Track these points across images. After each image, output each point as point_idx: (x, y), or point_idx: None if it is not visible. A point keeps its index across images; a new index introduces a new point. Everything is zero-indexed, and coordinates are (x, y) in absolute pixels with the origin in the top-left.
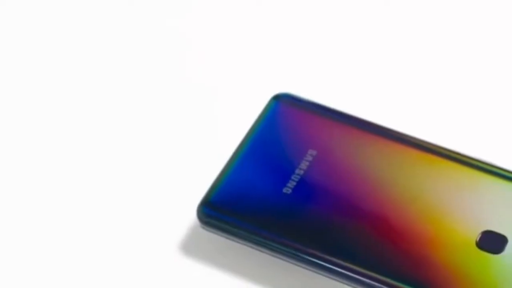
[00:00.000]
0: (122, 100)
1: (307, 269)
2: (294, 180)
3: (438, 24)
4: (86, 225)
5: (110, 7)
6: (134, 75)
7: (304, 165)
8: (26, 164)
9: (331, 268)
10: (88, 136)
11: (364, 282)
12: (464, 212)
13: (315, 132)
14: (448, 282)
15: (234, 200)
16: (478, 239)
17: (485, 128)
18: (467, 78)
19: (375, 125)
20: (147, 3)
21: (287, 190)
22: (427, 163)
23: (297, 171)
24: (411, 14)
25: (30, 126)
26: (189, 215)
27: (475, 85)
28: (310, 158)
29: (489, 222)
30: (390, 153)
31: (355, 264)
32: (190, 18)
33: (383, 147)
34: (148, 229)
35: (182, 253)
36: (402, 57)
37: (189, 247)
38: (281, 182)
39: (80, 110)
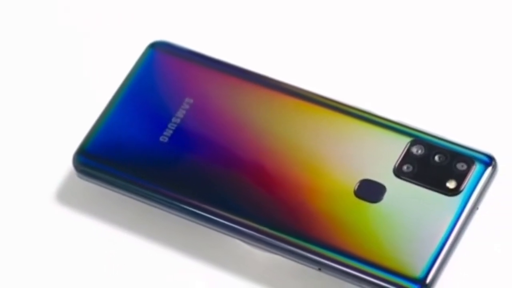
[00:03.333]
0: None
1: (183, 217)
2: (170, 129)
3: None
4: None
5: None
6: (3, 22)
7: (180, 113)
8: None
9: (207, 217)
10: None
11: (241, 231)
12: (342, 161)
13: (192, 81)
14: (326, 230)
15: (110, 148)
16: (356, 188)
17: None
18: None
19: (253, 74)
20: None
21: (164, 138)
22: (306, 111)
23: (173, 119)
24: None
25: None
26: (66, 164)
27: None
28: (187, 107)
29: (368, 171)
30: (269, 101)
31: (232, 213)
32: None
33: (261, 96)
34: (24, 178)
35: (57, 201)
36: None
37: (65, 196)
38: (157, 131)
39: None
